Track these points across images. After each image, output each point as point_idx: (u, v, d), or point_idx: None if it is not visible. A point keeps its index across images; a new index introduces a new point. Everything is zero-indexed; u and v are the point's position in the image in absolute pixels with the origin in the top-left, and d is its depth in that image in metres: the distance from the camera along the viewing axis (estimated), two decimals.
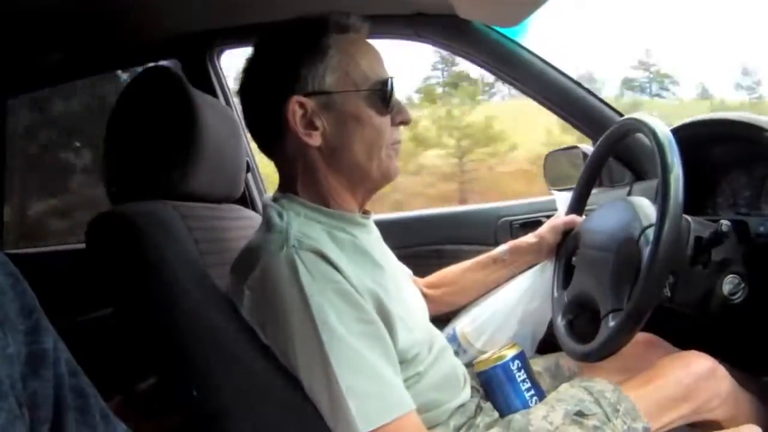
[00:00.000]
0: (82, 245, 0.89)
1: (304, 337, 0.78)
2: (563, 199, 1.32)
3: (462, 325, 1.23)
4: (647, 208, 1.03)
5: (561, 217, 1.26)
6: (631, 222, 1.02)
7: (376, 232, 1.05)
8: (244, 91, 0.96)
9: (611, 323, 0.97)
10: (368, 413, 0.77)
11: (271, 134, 0.94)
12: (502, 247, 1.27)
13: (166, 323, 0.84)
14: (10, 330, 0.42)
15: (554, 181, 1.64)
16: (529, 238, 1.26)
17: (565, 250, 1.23)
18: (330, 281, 0.80)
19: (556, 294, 1.19)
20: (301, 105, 0.89)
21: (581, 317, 1.11)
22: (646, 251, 0.92)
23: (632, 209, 1.04)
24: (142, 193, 0.95)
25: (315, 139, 0.90)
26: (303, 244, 0.82)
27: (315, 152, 0.92)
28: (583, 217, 1.25)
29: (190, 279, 0.86)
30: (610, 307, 0.99)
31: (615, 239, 1.04)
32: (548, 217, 1.45)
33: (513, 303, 1.21)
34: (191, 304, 0.83)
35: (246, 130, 1.03)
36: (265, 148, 0.98)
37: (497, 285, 1.26)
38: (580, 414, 0.95)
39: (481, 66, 1.57)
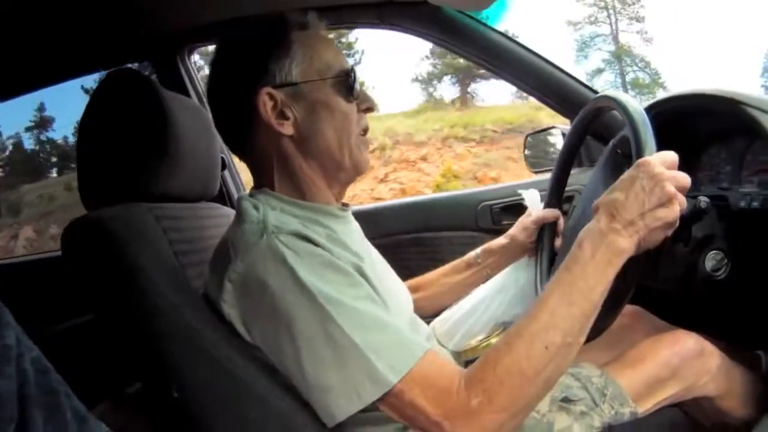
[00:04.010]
0: (59, 253, 0.88)
1: (306, 315, 0.77)
2: (531, 196, 1.32)
3: (435, 326, 1.23)
4: None
5: (531, 215, 1.26)
6: None
7: (355, 225, 1.05)
8: (212, 89, 0.96)
9: None
10: (393, 363, 0.76)
11: (243, 129, 0.94)
12: (476, 251, 1.28)
13: (145, 328, 0.84)
14: None
15: (534, 163, 1.65)
16: (501, 239, 1.27)
17: (546, 242, 1.23)
18: (315, 255, 0.81)
19: (539, 283, 1.19)
20: (271, 96, 0.90)
21: None
22: None
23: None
24: (117, 196, 0.94)
25: (287, 128, 0.91)
26: (281, 229, 0.82)
27: (288, 142, 0.92)
28: (555, 211, 1.25)
29: (166, 282, 0.85)
30: None
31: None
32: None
33: (482, 303, 1.22)
34: (168, 307, 0.83)
35: None
36: (237, 146, 0.98)
37: (473, 288, 1.27)
38: (567, 400, 0.94)
39: (455, 52, 1.56)
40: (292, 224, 0.84)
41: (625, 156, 1.01)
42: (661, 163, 0.80)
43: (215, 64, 0.96)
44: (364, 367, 0.75)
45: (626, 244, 0.78)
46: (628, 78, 17.63)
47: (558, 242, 1.23)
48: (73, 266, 0.88)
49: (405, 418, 0.78)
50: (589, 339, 0.96)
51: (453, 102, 15.41)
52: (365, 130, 0.99)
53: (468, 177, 8.87)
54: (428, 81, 15.91)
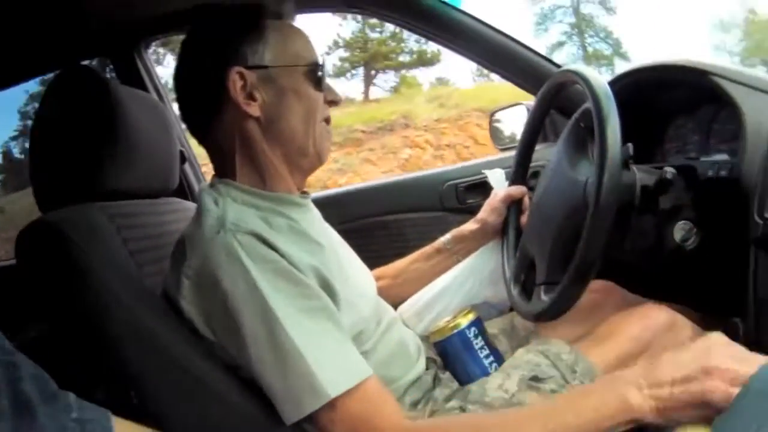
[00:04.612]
0: (11, 261, 0.86)
1: (254, 319, 0.77)
2: (495, 176, 1.31)
3: (402, 310, 1.22)
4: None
5: (497, 195, 1.25)
6: (575, 179, 1.00)
7: (315, 212, 1.04)
8: (181, 68, 0.95)
9: (543, 296, 0.96)
10: (335, 379, 0.76)
11: (209, 109, 0.93)
12: (446, 237, 1.26)
13: (99, 331, 0.81)
14: None
15: (500, 140, 1.65)
16: (471, 224, 1.25)
17: (512, 220, 1.22)
18: (269, 262, 0.79)
19: (506, 261, 1.18)
20: (242, 76, 0.90)
21: (531, 278, 1.09)
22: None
23: (573, 185, 1.01)
24: (72, 196, 0.92)
25: (254, 109, 0.91)
26: (239, 227, 0.81)
27: (253, 124, 0.92)
28: (522, 188, 1.24)
29: (120, 284, 0.83)
30: (543, 277, 0.99)
31: (559, 198, 1.03)
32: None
33: (452, 287, 1.21)
34: (122, 309, 0.81)
35: (179, 120, 0.99)
36: (200, 128, 0.96)
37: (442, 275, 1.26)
38: (536, 379, 0.94)
39: (415, 32, 1.54)
40: (251, 222, 0.83)
41: (588, 129, 0.99)
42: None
43: (187, 43, 0.95)
44: (306, 376, 0.75)
45: (639, 404, 0.70)
46: (589, 50, 17.64)
47: (524, 219, 1.22)
48: (27, 271, 0.85)
49: None
50: (556, 316, 0.96)
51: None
52: (328, 121, 0.98)
53: (318, 186, 7.74)
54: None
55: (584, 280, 0.89)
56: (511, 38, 1.51)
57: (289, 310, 0.77)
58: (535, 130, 1.25)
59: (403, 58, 15.69)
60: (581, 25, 17.54)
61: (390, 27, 14.20)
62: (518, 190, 1.24)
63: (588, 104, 0.93)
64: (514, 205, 1.23)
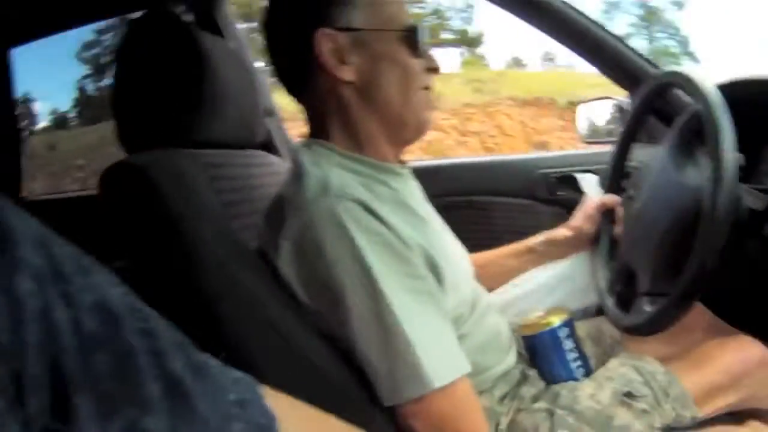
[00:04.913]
0: (95, 192, 0.81)
1: (359, 293, 0.73)
2: (589, 182, 1.27)
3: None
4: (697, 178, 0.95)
5: (591, 202, 1.20)
6: (684, 185, 0.95)
7: (414, 183, 0.99)
8: (269, 29, 0.90)
9: (646, 306, 0.92)
10: (439, 369, 0.72)
11: (300, 73, 0.87)
12: (538, 238, 1.21)
13: (188, 283, 0.76)
14: None
15: (587, 133, 1.60)
16: (565, 231, 1.20)
17: (605, 228, 1.18)
18: (376, 233, 0.74)
19: (599, 271, 1.14)
20: (331, 38, 0.84)
21: (628, 288, 1.04)
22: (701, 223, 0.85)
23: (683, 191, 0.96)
24: (157, 141, 0.87)
25: (347, 74, 0.85)
26: (345, 193, 0.76)
27: (348, 89, 0.86)
28: (615, 197, 1.20)
29: (213, 235, 0.78)
30: (647, 286, 0.94)
31: (666, 204, 0.98)
32: (586, 172, 1.43)
33: (545, 287, 1.17)
34: (219, 265, 0.76)
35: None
36: (294, 90, 0.91)
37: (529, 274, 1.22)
38: (630, 395, 0.90)
39: (516, 15, 1.45)
40: (356, 189, 0.78)
41: (696, 133, 0.95)
42: None
43: (273, 3, 0.90)
44: (411, 362, 0.71)
45: None
46: (655, 45, 17.16)
47: (618, 229, 1.17)
48: (111, 212, 0.82)
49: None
50: (651, 333, 0.93)
51: None
52: (429, 89, 0.92)
53: None
54: None
55: (696, 292, 0.84)
56: (609, 32, 1.44)
57: (397, 289, 0.72)
58: (634, 131, 1.20)
59: (445, 35, 15.21)
60: (650, 18, 16.98)
61: (433, 2, 14.09)
62: (612, 198, 1.19)
63: (697, 107, 0.89)
64: (607, 214, 1.19)
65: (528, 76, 12.46)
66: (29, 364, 0.26)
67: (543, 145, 10.12)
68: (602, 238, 1.17)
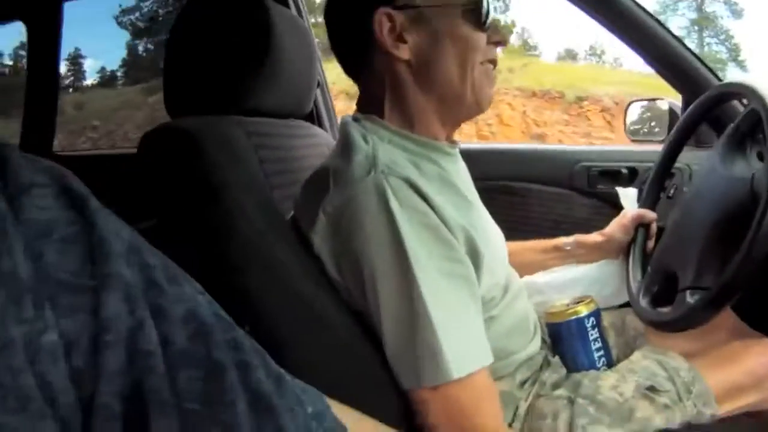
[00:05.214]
0: (130, 151, 0.83)
1: (390, 270, 0.72)
2: (627, 196, 1.29)
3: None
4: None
5: (629, 214, 1.21)
6: (735, 177, 0.97)
7: (462, 164, 0.98)
8: (329, 7, 0.90)
9: (689, 299, 0.92)
10: (460, 359, 0.71)
11: (358, 50, 0.88)
12: (569, 239, 1.23)
13: (221, 250, 0.76)
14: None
15: (634, 131, 1.62)
16: (596, 236, 1.22)
17: (640, 239, 1.21)
18: (419, 213, 0.74)
19: (632, 278, 1.16)
20: (390, 17, 0.83)
21: (665, 288, 1.05)
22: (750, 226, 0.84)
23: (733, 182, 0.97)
24: (204, 106, 0.88)
25: (403, 52, 0.84)
26: (392, 171, 0.76)
27: (404, 67, 0.85)
28: (652, 214, 1.22)
29: (254, 205, 0.78)
30: (690, 282, 0.94)
31: (715, 197, 0.99)
32: (628, 168, 1.47)
33: (575, 284, 1.18)
34: (253, 234, 0.76)
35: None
36: (350, 66, 0.91)
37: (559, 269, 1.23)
38: (652, 389, 0.91)
39: (582, 9, 1.41)
40: (404, 167, 0.78)
41: (748, 131, 0.99)
42: None
43: None
44: (432, 348, 0.71)
45: None
46: (705, 50, 16.56)
47: (650, 244, 1.20)
48: (149, 172, 0.83)
49: (430, 421, 0.74)
50: (681, 329, 0.94)
51: None
52: (493, 63, 0.90)
53: None
54: None
55: (726, 301, 0.86)
56: (673, 34, 1.40)
57: (431, 270, 0.72)
58: (688, 134, 1.22)
59: None
60: (702, 23, 16.38)
61: None
62: (649, 214, 1.22)
63: (754, 106, 0.94)
64: (642, 227, 1.22)
65: (546, 68, 12.16)
66: (102, 392, 0.26)
67: (540, 138, 10.11)
68: (636, 249, 1.20)
